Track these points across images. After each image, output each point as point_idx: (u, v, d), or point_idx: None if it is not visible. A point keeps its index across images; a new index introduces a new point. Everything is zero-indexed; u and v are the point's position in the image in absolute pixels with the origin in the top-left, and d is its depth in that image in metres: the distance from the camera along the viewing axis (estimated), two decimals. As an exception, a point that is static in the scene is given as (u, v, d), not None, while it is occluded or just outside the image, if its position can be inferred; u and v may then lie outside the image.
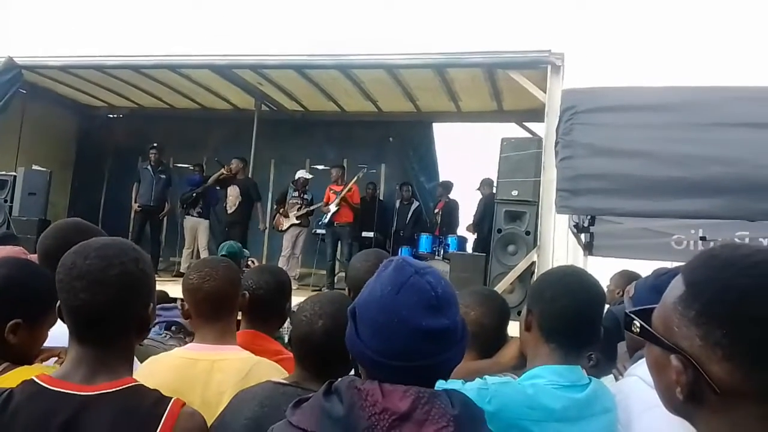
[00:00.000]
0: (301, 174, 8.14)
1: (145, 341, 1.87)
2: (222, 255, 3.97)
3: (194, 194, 8.28)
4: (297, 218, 7.97)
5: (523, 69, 5.93)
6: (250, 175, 8.37)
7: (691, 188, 3.48)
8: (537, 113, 6.40)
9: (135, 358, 1.68)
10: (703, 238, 5.37)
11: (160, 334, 2.61)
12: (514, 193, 5.59)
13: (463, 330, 1.08)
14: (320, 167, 8.57)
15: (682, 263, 0.86)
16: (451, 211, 8.37)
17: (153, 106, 9.33)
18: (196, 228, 8.31)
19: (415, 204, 8.40)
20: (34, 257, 1.97)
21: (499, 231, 5.65)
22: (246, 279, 2.08)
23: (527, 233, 5.53)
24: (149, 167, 8.34)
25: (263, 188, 9.10)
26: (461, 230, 8.35)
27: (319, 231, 7.98)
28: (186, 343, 2.54)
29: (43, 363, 1.53)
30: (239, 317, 2.03)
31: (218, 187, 8.26)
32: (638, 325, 0.83)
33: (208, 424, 1.42)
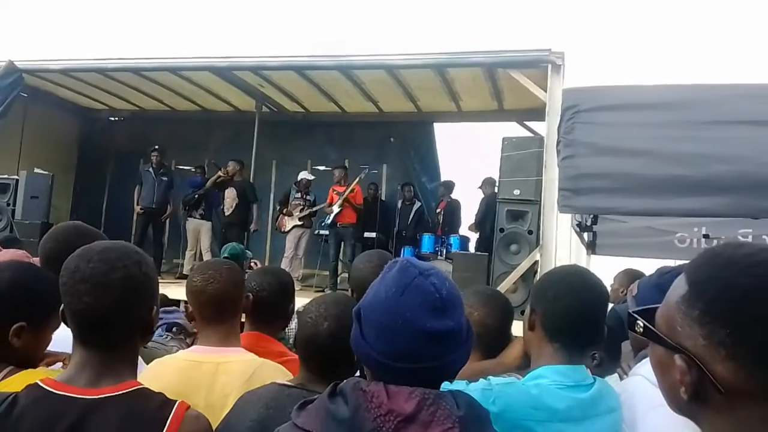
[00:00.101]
0: (304, 175, 8.15)
1: (148, 343, 1.88)
2: (224, 257, 3.98)
3: (196, 196, 8.30)
4: (300, 219, 7.98)
5: (523, 68, 5.93)
6: (251, 177, 8.38)
7: (694, 186, 3.48)
8: (538, 112, 6.39)
9: (141, 360, 1.68)
10: (706, 236, 5.37)
11: (162, 336, 2.62)
12: (516, 192, 5.58)
13: (468, 331, 1.08)
14: (321, 168, 8.57)
15: (686, 261, 0.86)
16: (453, 210, 8.36)
17: (154, 109, 9.34)
18: (199, 230, 8.32)
19: (417, 204, 8.39)
20: (36, 260, 1.97)
21: (502, 230, 5.64)
22: (249, 281, 2.08)
23: (530, 232, 5.52)
24: (151, 169, 8.34)
25: (265, 190, 9.11)
26: (463, 230, 8.35)
27: (322, 232, 7.99)
28: (187, 344, 2.55)
29: (49, 368, 1.53)
30: (243, 319, 2.04)
31: (216, 190, 8.27)
32: (641, 325, 0.83)
33: (213, 427, 1.42)
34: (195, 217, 8.37)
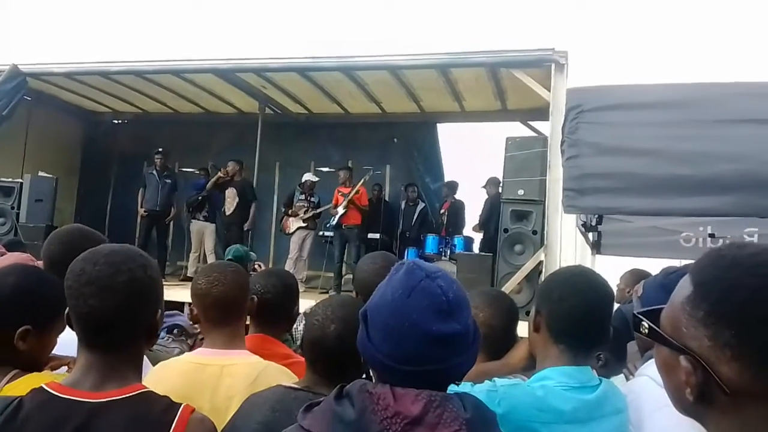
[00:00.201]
0: (308, 177, 8.16)
1: (151, 346, 1.88)
2: (228, 259, 3.98)
3: (200, 198, 8.33)
4: (304, 221, 7.99)
5: (526, 68, 5.91)
6: (255, 179, 8.39)
7: (699, 186, 3.46)
8: (541, 112, 6.37)
9: (148, 362, 1.69)
10: (711, 236, 5.35)
11: (163, 338, 2.63)
12: (520, 192, 5.57)
13: (475, 334, 1.07)
14: (325, 169, 8.58)
15: (691, 261, 0.86)
16: (456, 211, 8.35)
17: (157, 111, 9.35)
18: (203, 232, 8.34)
19: (421, 205, 8.38)
20: (41, 264, 1.98)
21: (506, 231, 5.63)
22: (254, 283, 2.08)
23: (534, 232, 5.50)
24: (155, 172, 8.36)
25: (268, 191, 9.12)
26: (467, 231, 8.34)
27: (327, 234, 7.99)
28: (188, 345, 2.56)
29: (54, 371, 1.53)
30: (247, 321, 2.04)
31: (217, 191, 8.29)
32: (646, 326, 0.83)
33: (218, 430, 1.42)
34: (199, 219, 8.39)
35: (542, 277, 5.12)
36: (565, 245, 5.38)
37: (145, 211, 8.32)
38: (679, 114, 3.67)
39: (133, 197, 8.60)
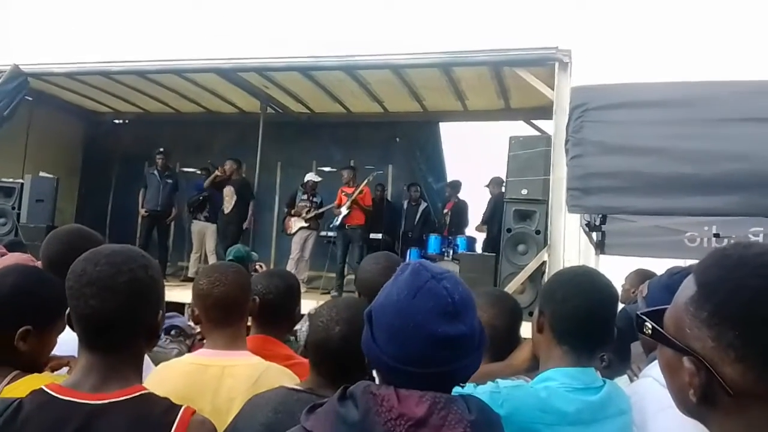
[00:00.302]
0: (310, 177, 8.16)
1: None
2: (229, 259, 3.97)
3: (201, 198, 8.34)
4: (306, 221, 7.99)
5: (530, 66, 5.90)
6: (256, 179, 8.40)
7: (704, 185, 3.45)
8: (545, 111, 6.37)
9: (150, 363, 1.68)
10: (716, 235, 5.34)
11: (161, 339, 2.63)
12: (524, 192, 5.55)
13: (480, 336, 1.06)
14: (327, 169, 8.58)
15: (696, 261, 0.85)
16: (460, 211, 8.35)
17: (159, 111, 9.36)
18: (204, 232, 8.35)
19: (424, 205, 8.38)
20: (41, 264, 1.98)
21: (509, 230, 5.61)
22: (255, 284, 2.08)
23: (537, 232, 5.49)
24: (156, 172, 8.37)
25: (270, 191, 9.13)
26: (470, 230, 8.34)
27: (329, 234, 7.99)
28: (187, 345, 2.55)
29: (55, 372, 1.52)
30: (249, 322, 2.03)
31: (215, 190, 8.30)
32: (650, 326, 0.82)
33: (222, 430, 1.41)
34: (200, 220, 8.40)
35: (545, 278, 5.11)
36: (569, 245, 5.36)
37: (146, 212, 8.33)
38: (683, 113, 3.66)
39: (134, 197, 8.60)
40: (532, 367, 1.63)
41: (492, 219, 7.49)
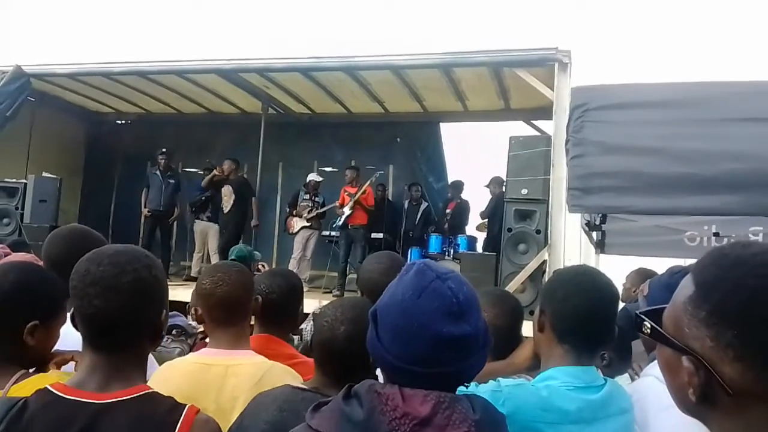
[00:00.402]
0: (312, 177, 8.18)
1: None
2: (232, 259, 3.98)
3: (203, 198, 8.36)
4: (308, 221, 8.00)
5: (530, 67, 5.91)
6: (258, 179, 8.42)
7: (704, 184, 3.46)
8: (545, 111, 6.37)
9: (154, 362, 1.69)
10: (716, 234, 5.34)
11: (163, 339, 2.63)
12: (524, 191, 5.56)
13: (485, 336, 1.07)
14: (328, 169, 8.59)
15: (696, 260, 0.84)
16: (462, 211, 8.35)
17: (161, 112, 9.37)
18: (206, 232, 8.36)
19: (424, 204, 8.38)
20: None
21: (510, 230, 5.62)
22: (258, 283, 2.09)
23: (538, 232, 5.50)
24: (158, 172, 8.39)
25: (272, 192, 9.14)
26: (471, 230, 8.35)
27: (333, 233, 8.00)
28: (188, 344, 2.56)
29: (61, 369, 1.53)
30: (252, 321, 2.04)
31: (213, 189, 8.31)
32: (648, 326, 0.82)
33: (226, 429, 1.42)
34: (202, 220, 8.42)
35: (546, 277, 5.12)
36: (569, 244, 5.37)
37: (148, 212, 8.34)
38: (684, 113, 3.67)
39: (137, 197, 8.61)
40: (534, 366, 1.64)
41: (493, 219, 7.50)
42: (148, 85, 8.16)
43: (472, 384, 1.34)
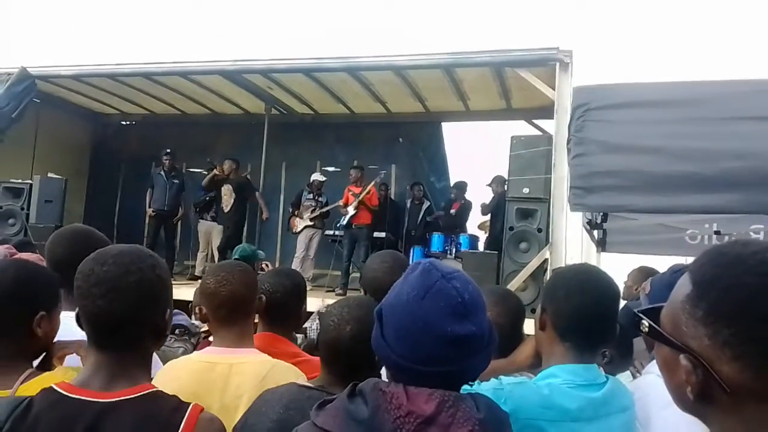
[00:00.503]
0: (316, 177, 8.18)
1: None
2: (235, 258, 4.00)
3: (207, 199, 8.38)
4: (310, 220, 8.02)
5: (531, 67, 5.91)
6: (261, 179, 8.44)
7: (705, 183, 3.45)
8: (546, 111, 6.37)
9: (158, 360, 1.70)
10: (717, 233, 5.33)
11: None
12: (525, 190, 5.57)
13: (490, 336, 1.07)
14: (331, 169, 8.60)
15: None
16: (465, 211, 8.36)
17: (165, 113, 9.40)
18: (210, 232, 8.39)
19: (426, 204, 8.39)
20: None
21: (511, 228, 5.63)
22: (262, 282, 2.09)
23: (539, 230, 5.51)
24: (162, 173, 8.41)
25: (275, 192, 9.16)
26: (473, 229, 8.35)
27: (336, 233, 8.01)
28: (192, 344, 2.57)
29: (65, 364, 1.54)
30: (256, 320, 2.05)
31: (214, 189, 8.32)
32: (646, 324, 0.82)
33: (230, 427, 1.43)
34: (206, 220, 8.45)
35: (547, 275, 5.12)
36: (570, 243, 5.38)
37: (153, 212, 8.37)
38: (685, 111, 3.66)
39: (142, 198, 8.64)
40: (535, 364, 1.64)
41: (495, 217, 7.50)
42: (153, 87, 8.18)
43: (475, 382, 1.36)
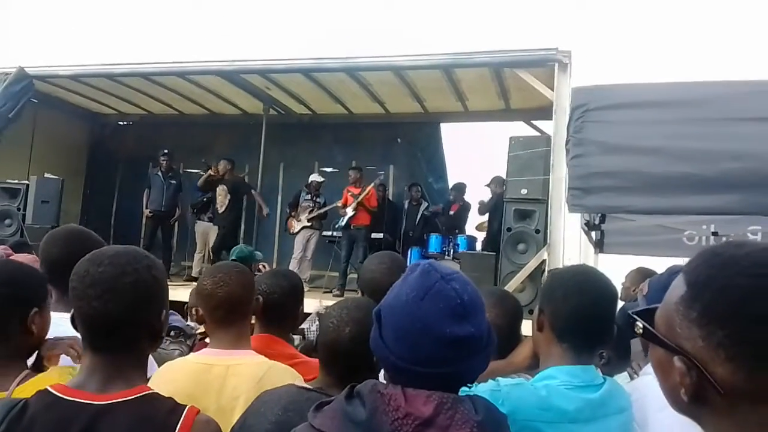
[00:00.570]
0: (314, 177, 8.18)
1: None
2: (232, 259, 3.99)
3: (205, 200, 8.37)
4: (308, 221, 8.01)
5: (530, 67, 5.92)
6: (259, 180, 8.43)
7: (703, 184, 3.46)
8: (545, 111, 6.37)
9: (153, 362, 1.69)
10: (715, 234, 5.34)
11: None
12: (523, 191, 5.58)
13: (488, 337, 1.07)
14: (329, 170, 8.59)
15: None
16: (463, 213, 8.36)
17: (162, 113, 9.39)
18: (208, 233, 8.38)
19: (424, 204, 8.40)
20: None
21: (509, 230, 5.64)
22: (259, 283, 2.09)
23: (537, 231, 5.52)
24: (160, 173, 8.41)
25: (273, 192, 9.15)
26: (470, 230, 8.35)
27: (335, 234, 8.01)
28: (188, 345, 2.57)
29: (60, 364, 1.53)
30: (252, 321, 2.04)
31: (209, 189, 8.31)
32: (641, 326, 0.81)
33: (227, 429, 1.42)
34: (204, 221, 8.44)
35: (545, 276, 5.12)
36: (568, 244, 5.38)
37: (150, 212, 8.35)
38: (684, 112, 3.67)
39: (139, 198, 8.63)
40: (533, 365, 1.64)
41: (493, 218, 7.50)
42: (150, 87, 8.17)
43: (473, 384, 1.35)
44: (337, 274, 7.92)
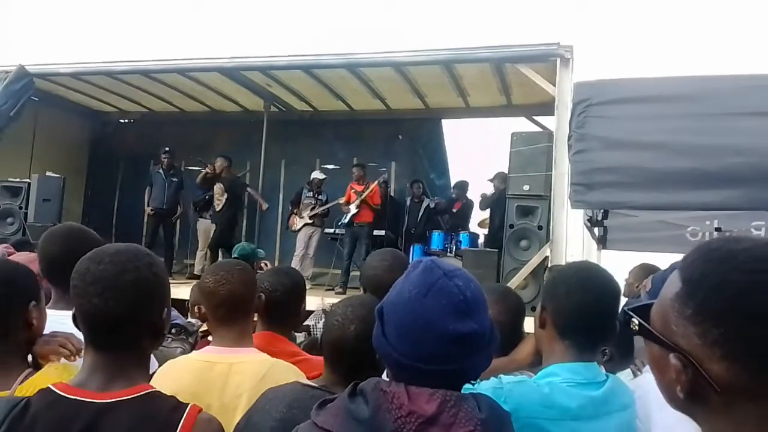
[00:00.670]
0: (316, 174, 8.17)
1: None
2: (234, 257, 3.99)
3: (206, 198, 8.37)
4: (310, 218, 8.01)
5: (531, 63, 5.90)
6: (260, 177, 8.44)
7: (707, 179, 3.45)
8: (547, 107, 6.35)
9: (155, 361, 1.70)
10: (718, 229, 5.33)
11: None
12: (526, 187, 5.56)
13: (491, 334, 1.06)
14: (330, 167, 8.59)
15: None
16: (466, 211, 8.35)
17: (163, 110, 9.39)
18: (209, 231, 8.37)
19: (426, 201, 8.38)
20: None
21: (511, 226, 5.62)
22: (262, 281, 2.09)
23: (539, 228, 5.50)
24: (161, 171, 8.41)
25: (274, 189, 9.15)
26: (473, 227, 8.34)
27: (337, 231, 8.00)
28: (190, 343, 2.57)
29: (61, 361, 1.53)
30: (255, 319, 2.04)
31: (206, 187, 8.31)
32: (636, 322, 0.81)
33: (230, 427, 1.42)
34: (205, 218, 8.45)
35: (548, 273, 5.11)
36: (571, 240, 5.38)
37: (152, 210, 8.36)
38: (687, 107, 3.66)
39: (140, 196, 8.63)
40: (536, 363, 1.63)
41: (494, 214, 7.49)
42: (151, 84, 8.17)
43: (475, 381, 1.35)
44: (339, 271, 7.91)
